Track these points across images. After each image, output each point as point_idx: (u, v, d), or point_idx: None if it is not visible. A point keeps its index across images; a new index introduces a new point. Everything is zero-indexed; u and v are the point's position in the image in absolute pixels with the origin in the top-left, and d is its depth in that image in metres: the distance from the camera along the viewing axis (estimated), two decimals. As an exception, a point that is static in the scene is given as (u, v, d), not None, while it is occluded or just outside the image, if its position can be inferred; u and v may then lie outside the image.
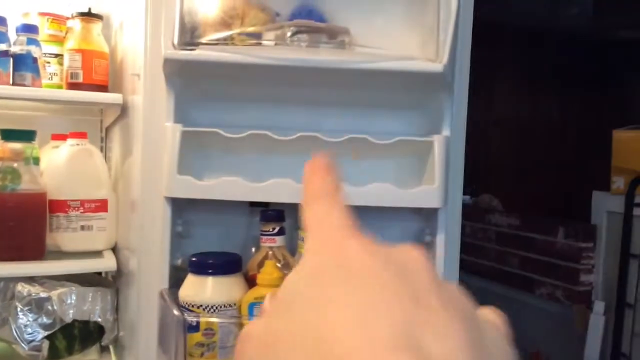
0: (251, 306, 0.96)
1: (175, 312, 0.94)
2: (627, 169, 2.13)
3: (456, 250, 1.11)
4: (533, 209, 2.96)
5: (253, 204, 1.11)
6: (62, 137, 1.49)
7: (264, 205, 1.08)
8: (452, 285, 0.29)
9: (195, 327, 0.95)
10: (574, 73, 3.53)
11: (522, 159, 3.46)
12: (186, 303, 0.98)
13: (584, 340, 2.24)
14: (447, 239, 1.06)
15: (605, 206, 2.22)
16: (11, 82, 1.34)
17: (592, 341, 2.19)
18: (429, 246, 1.09)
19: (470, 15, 1.08)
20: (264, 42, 0.95)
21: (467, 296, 0.29)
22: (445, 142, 1.03)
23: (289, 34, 0.94)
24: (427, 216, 1.11)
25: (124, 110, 1.38)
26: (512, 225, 2.62)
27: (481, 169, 3.06)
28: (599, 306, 2.21)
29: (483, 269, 2.71)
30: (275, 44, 0.95)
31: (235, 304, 0.98)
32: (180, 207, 1.07)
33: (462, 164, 1.12)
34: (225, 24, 0.97)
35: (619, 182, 2.17)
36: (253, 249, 1.10)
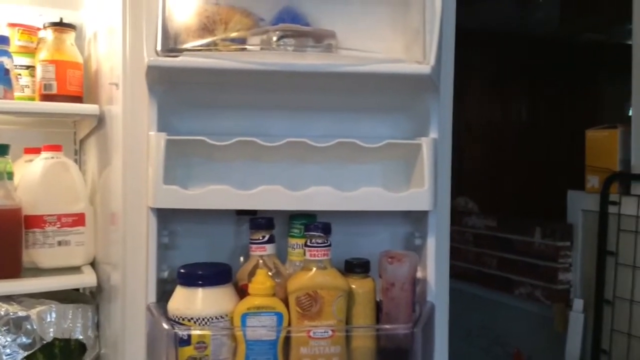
0: (244, 317, 0.94)
1: (165, 326, 0.92)
2: (601, 168, 2.16)
3: (446, 253, 1.11)
4: (509, 210, 2.99)
5: (240, 212, 1.09)
6: (35, 151, 1.45)
7: (251, 213, 1.06)
8: None
9: (186, 341, 0.92)
10: (542, 75, 3.60)
11: (495, 161, 3.50)
12: (176, 316, 0.95)
13: (564, 338, 2.26)
14: (437, 242, 1.05)
15: (581, 205, 2.25)
16: (-18, 94, 1.30)
17: (572, 339, 2.21)
18: (419, 250, 1.08)
19: (452, 17, 1.08)
20: (249, 47, 0.94)
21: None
22: (433, 144, 1.02)
23: (274, 38, 0.92)
24: (416, 220, 1.10)
25: (100, 121, 1.34)
26: (489, 226, 2.63)
27: (455, 172, 3.08)
28: (578, 304, 2.24)
29: (461, 271, 2.72)
30: (261, 49, 0.94)
31: (227, 315, 0.95)
32: (165, 217, 1.04)
33: (450, 166, 1.11)
34: (208, 29, 0.95)
35: (593, 181, 2.20)
36: (241, 259, 1.08)
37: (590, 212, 2.22)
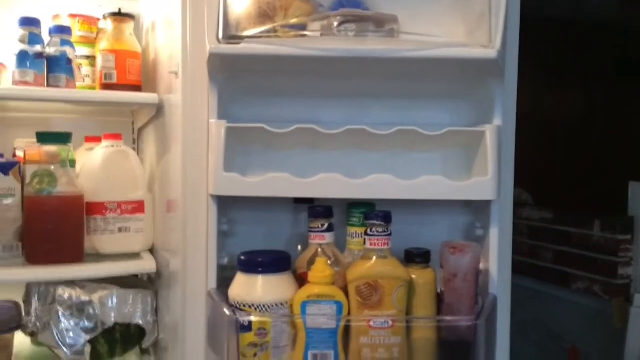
0: (304, 305, 0.94)
1: (227, 312, 0.92)
2: (665, 158, 2.08)
3: (508, 244, 1.08)
4: (564, 202, 2.90)
5: (297, 201, 1.08)
6: (96, 140, 1.48)
7: (309, 201, 1.06)
8: None
9: (247, 327, 0.93)
10: (599, 62, 3.47)
11: (550, 151, 3.40)
12: (237, 303, 0.95)
13: (623, 334, 2.19)
14: (500, 233, 1.02)
15: (643, 197, 2.17)
16: (46, 84, 1.33)
17: (633, 335, 2.14)
18: (480, 241, 1.06)
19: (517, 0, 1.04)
20: (310, 34, 0.93)
21: None
22: (497, 131, 0.99)
23: (335, 24, 0.91)
24: (476, 209, 1.08)
25: (159, 109, 1.36)
26: (545, 218, 2.56)
27: (509, 162, 3.00)
28: (639, 299, 2.16)
29: (515, 264, 2.66)
30: (322, 35, 0.93)
31: (287, 303, 0.95)
32: (224, 205, 1.04)
33: (513, 155, 1.08)
34: (268, 16, 0.95)
35: (656, 172, 2.12)
36: (299, 247, 1.08)
37: (653, 204, 2.14)
